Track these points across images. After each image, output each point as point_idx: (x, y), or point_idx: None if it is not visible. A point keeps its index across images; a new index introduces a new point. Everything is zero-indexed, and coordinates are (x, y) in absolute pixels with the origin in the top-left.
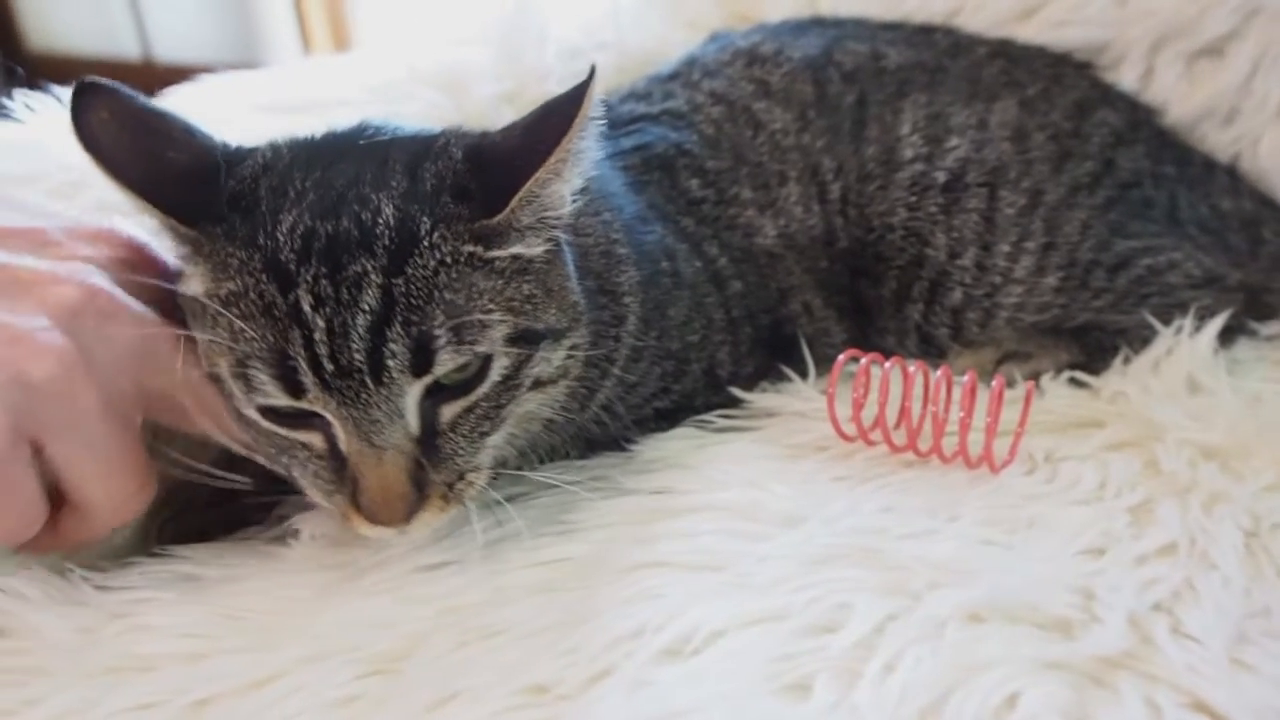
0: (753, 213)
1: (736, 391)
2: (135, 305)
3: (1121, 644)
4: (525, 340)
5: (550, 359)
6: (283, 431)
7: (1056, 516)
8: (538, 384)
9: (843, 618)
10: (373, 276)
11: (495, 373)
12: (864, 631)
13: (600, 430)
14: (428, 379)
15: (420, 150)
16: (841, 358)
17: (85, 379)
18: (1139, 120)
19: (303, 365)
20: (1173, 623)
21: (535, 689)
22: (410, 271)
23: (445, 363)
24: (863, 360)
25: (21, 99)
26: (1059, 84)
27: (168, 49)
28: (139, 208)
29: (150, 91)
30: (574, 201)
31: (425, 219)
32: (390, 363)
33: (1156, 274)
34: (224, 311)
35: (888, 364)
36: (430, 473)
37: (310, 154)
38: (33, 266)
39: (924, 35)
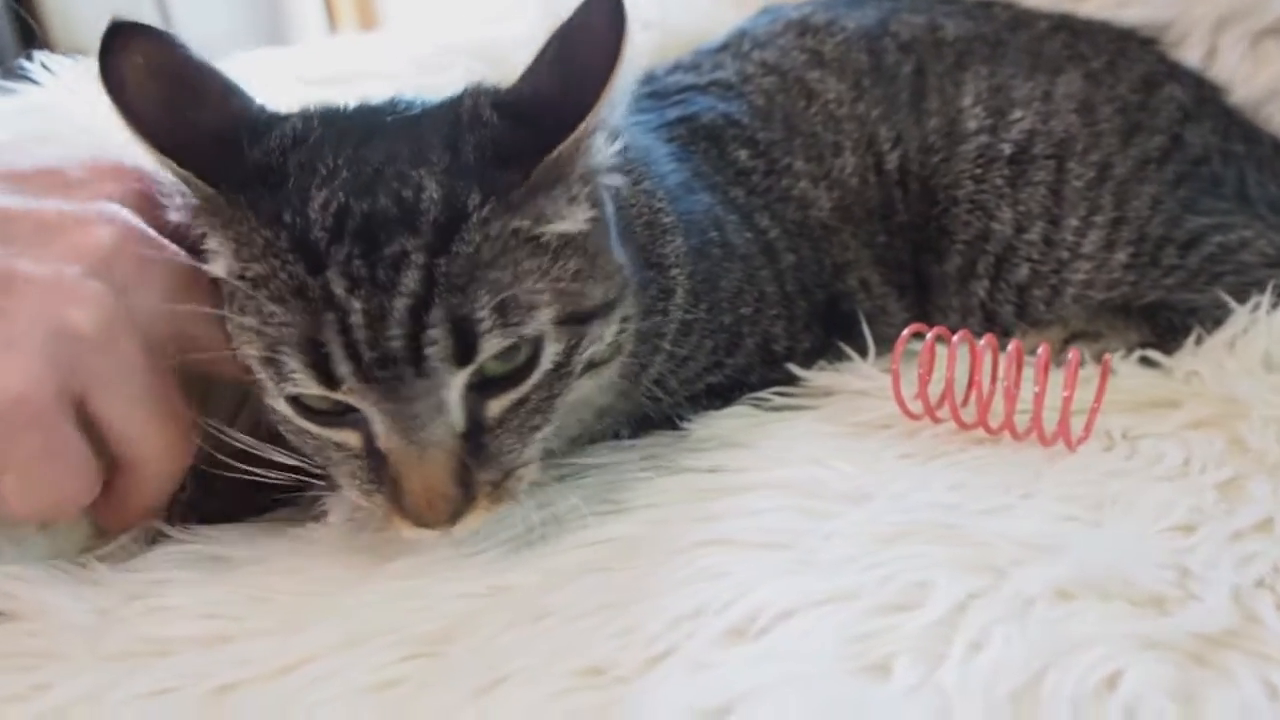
0: (806, 184)
1: (794, 368)
2: (167, 244)
3: (1225, 621)
4: (575, 320)
5: (603, 336)
6: (316, 429)
7: (1141, 493)
8: (591, 366)
9: (920, 595)
10: (414, 256)
11: (546, 360)
12: (944, 609)
13: (653, 406)
14: (471, 367)
15: (453, 120)
16: (906, 332)
17: (127, 327)
18: (1205, 96)
19: (337, 353)
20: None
21: (590, 671)
22: (455, 249)
23: (490, 347)
24: (929, 334)
25: (40, 61)
26: (1124, 57)
27: (193, 34)
28: (159, 163)
29: None
30: (612, 153)
31: (474, 193)
32: (430, 350)
33: (1229, 252)
34: (252, 294)
35: (955, 338)
36: (476, 471)
37: (342, 128)
38: (59, 209)
39: (982, 9)
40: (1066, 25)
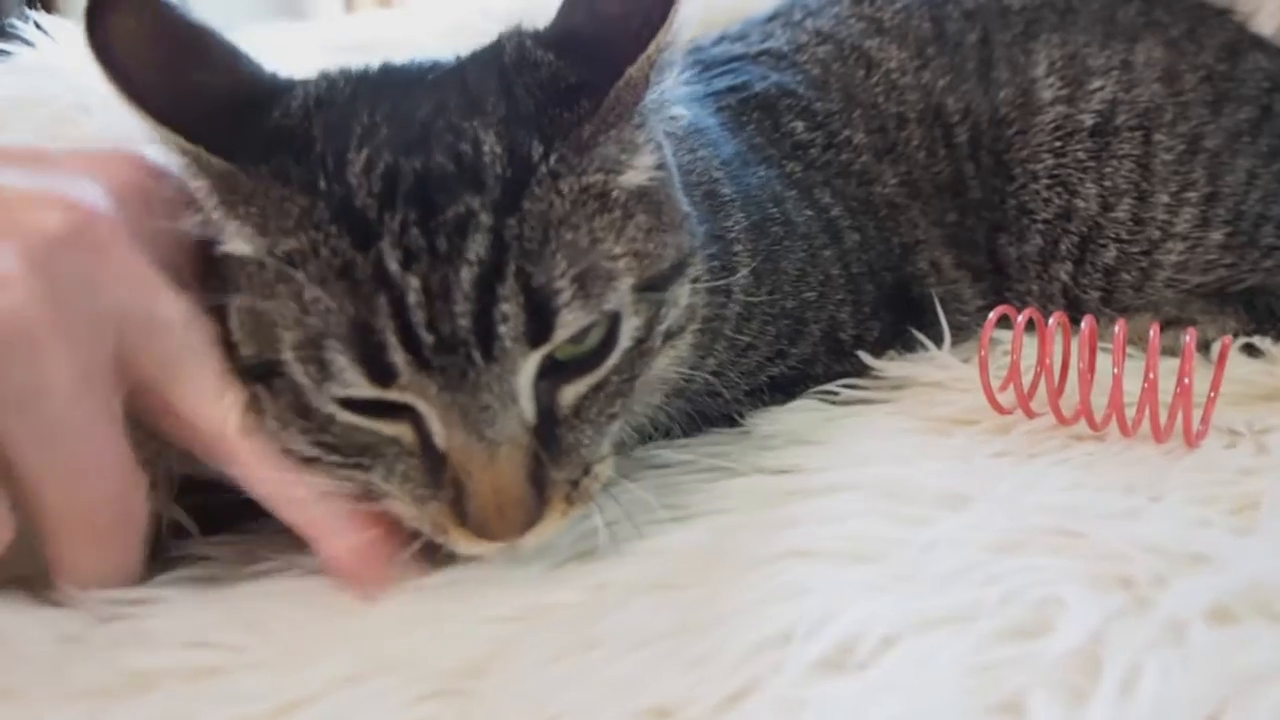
0: (868, 158)
1: (865, 357)
2: (141, 249)
3: None
4: (653, 288)
5: (678, 301)
6: (364, 424)
7: None
8: (668, 337)
9: (1051, 616)
10: (481, 217)
11: (625, 337)
12: (1082, 634)
13: (711, 402)
14: (547, 348)
15: (499, 65)
16: (993, 315)
17: (52, 334)
18: None
19: (393, 342)
20: None
21: (656, 712)
22: (526, 206)
23: (569, 324)
24: (1019, 317)
25: (34, 20)
26: (1204, 25)
27: (206, 9)
28: (159, 137)
29: None
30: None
31: (537, 142)
32: (503, 329)
33: None
34: (290, 272)
35: (1050, 322)
36: (551, 469)
37: (375, 84)
38: (16, 186)
39: None
40: None
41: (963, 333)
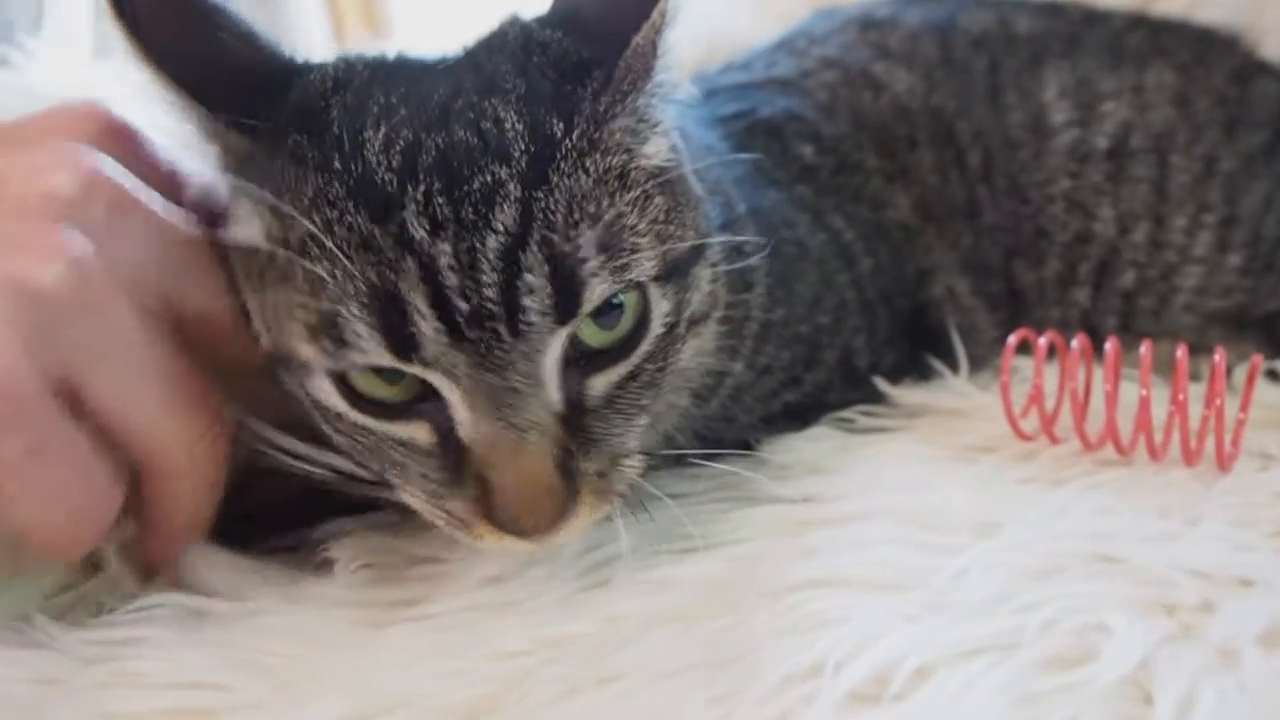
0: (880, 182)
1: (880, 384)
2: (152, 194)
3: None
4: (678, 272)
5: (700, 285)
6: (376, 424)
7: None
8: (694, 323)
9: (1096, 644)
10: (510, 187)
11: (657, 323)
12: (1131, 662)
13: (726, 428)
14: (573, 324)
15: (509, 47)
16: (1013, 339)
17: (110, 284)
18: None
19: (420, 306)
20: None
21: None
22: (554, 181)
23: (595, 296)
24: (1041, 340)
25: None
26: (1211, 51)
27: None
28: (181, 104)
29: None
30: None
31: (556, 119)
32: (528, 301)
33: None
34: (298, 258)
35: (1074, 344)
36: (580, 460)
37: (389, 70)
38: (9, 160)
39: (1052, 6)
40: (1143, 22)
41: (979, 363)
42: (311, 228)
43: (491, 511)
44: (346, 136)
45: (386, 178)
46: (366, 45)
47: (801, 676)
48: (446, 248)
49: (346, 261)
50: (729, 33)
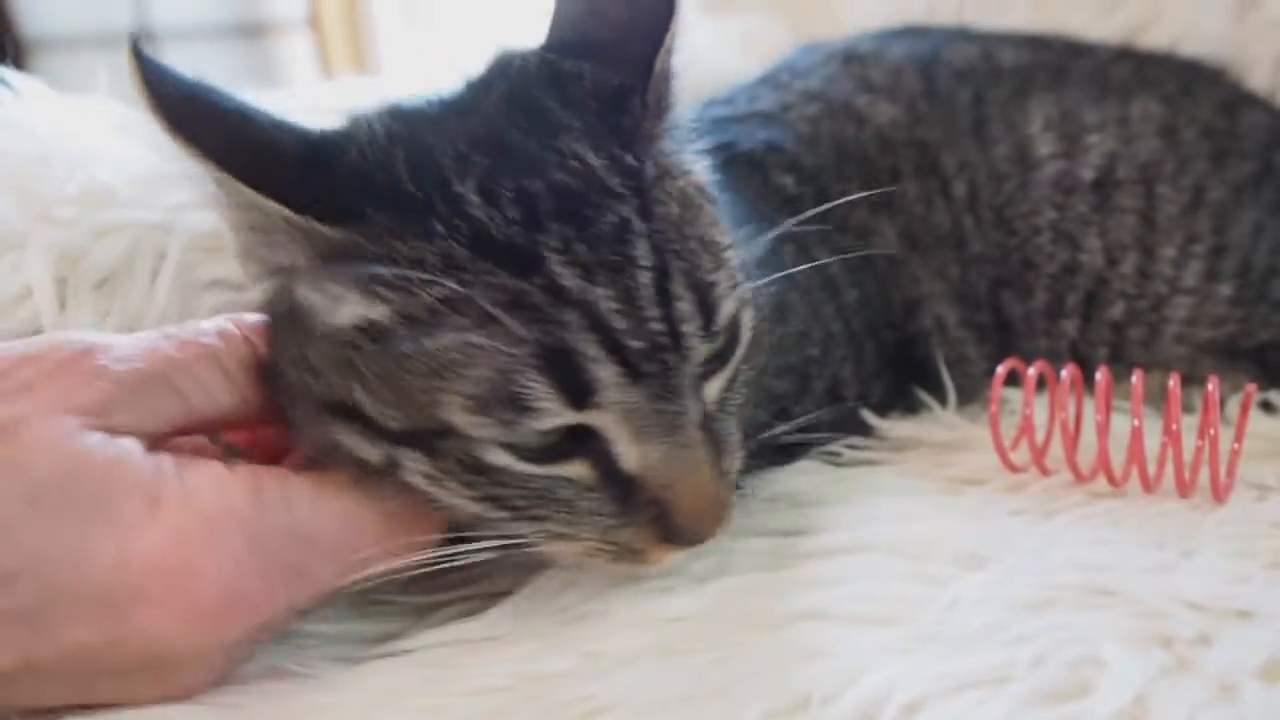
0: (865, 212)
1: (868, 417)
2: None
3: None
4: (746, 274)
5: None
6: (542, 470)
7: None
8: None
9: (1090, 677)
10: (635, 223)
11: (746, 326)
12: (1127, 696)
13: None
14: (714, 342)
15: (539, 80)
16: (1002, 369)
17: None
18: None
19: (596, 356)
20: None
21: None
22: (658, 211)
23: (726, 314)
24: (1030, 370)
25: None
26: (1198, 83)
27: None
28: (251, 203)
29: None
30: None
31: (619, 149)
32: (686, 327)
33: None
34: (442, 327)
35: (1064, 374)
36: (723, 461)
37: (420, 119)
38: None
39: (1037, 39)
40: (1129, 54)
41: (969, 395)
42: (445, 297)
43: (672, 530)
44: (437, 197)
45: (511, 231)
46: (356, 82)
47: (787, 710)
48: (605, 291)
49: (501, 325)
50: (717, 70)
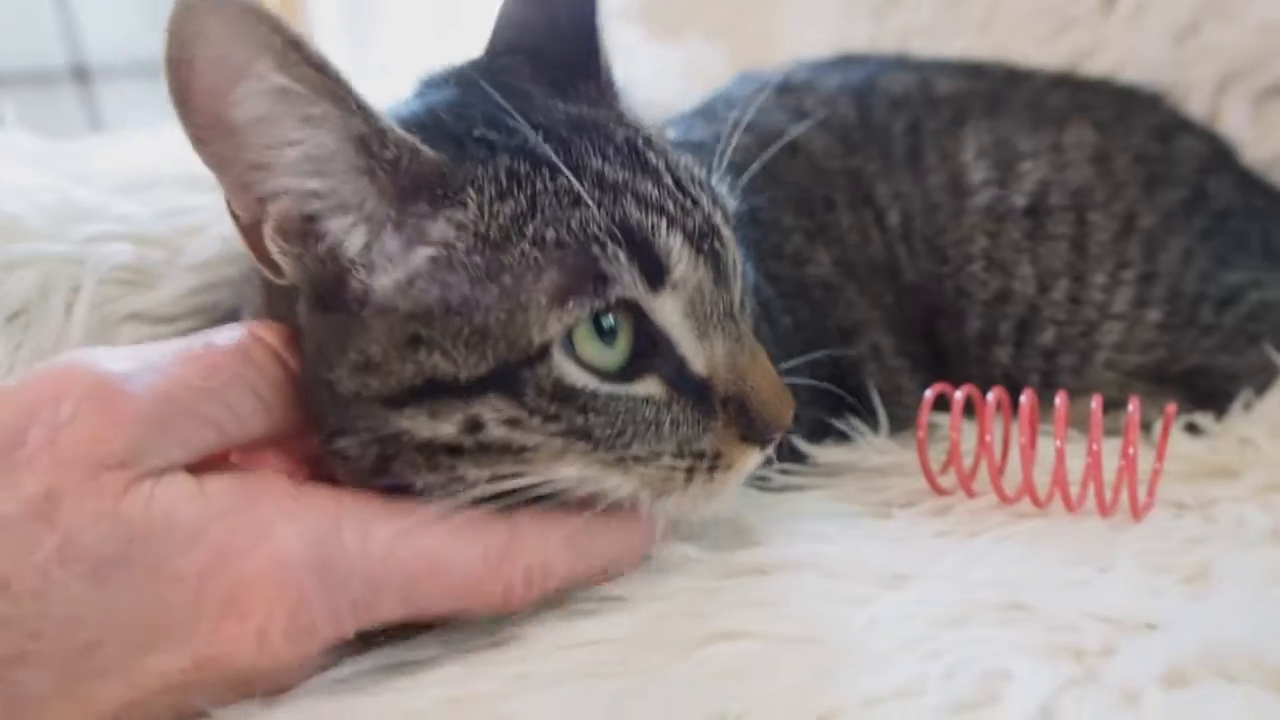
0: (800, 240)
1: (798, 443)
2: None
3: None
4: None
5: None
6: (623, 389)
7: (1236, 561)
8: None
9: (999, 688)
10: (639, 141)
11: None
12: (1032, 706)
13: None
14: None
15: (501, 72)
16: (929, 394)
17: None
18: (1221, 149)
19: (664, 228)
20: None
21: None
22: (650, 136)
23: (733, 211)
24: (957, 394)
25: None
26: (1133, 109)
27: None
28: (357, 135)
29: None
30: None
31: (601, 105)
32: (716, 219)
33: (1268, 309)
34: (520, 235)
35: (990, 396)
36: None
37: (433, 98)
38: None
39: (974, 68)
40: (1067, 80)
41: (903, 423)
42: (518, 210)
43: (750, 424)
44: (480, 144)
45: (554, 146)
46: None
47: None
48: (647, 184)
49: (582, 206)
50: (659, 99)
